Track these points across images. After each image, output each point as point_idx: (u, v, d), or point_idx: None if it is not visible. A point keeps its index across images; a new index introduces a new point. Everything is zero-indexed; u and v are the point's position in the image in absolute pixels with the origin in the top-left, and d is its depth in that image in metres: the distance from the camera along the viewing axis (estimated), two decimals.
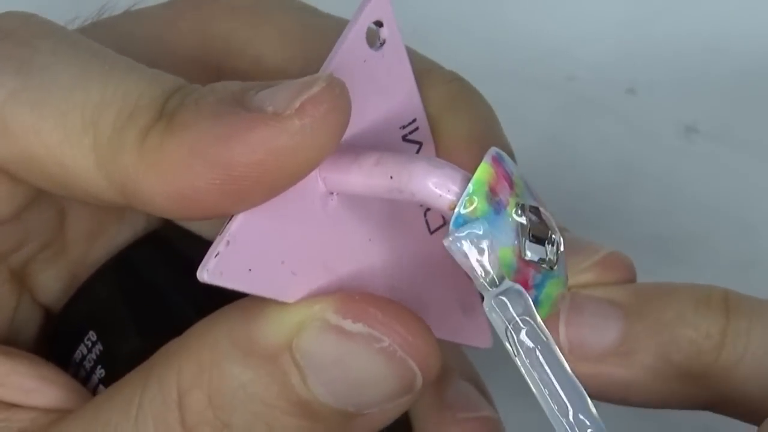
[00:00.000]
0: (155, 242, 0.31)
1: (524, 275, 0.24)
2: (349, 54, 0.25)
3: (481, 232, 0.23)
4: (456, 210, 0.23)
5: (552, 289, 0.24)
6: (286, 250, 0.24)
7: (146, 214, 0.31)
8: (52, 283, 0.31)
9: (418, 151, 0.27)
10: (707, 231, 0.46)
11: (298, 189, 0.24)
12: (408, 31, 0.27)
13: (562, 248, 0.24)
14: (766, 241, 0.46)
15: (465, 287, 0.28)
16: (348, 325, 0.24)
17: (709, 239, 0.46)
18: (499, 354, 0.34)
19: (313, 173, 0.24)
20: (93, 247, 0.31)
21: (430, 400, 0.31)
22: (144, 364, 0.25)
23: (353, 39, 0.25)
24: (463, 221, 0.23)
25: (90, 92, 0.24)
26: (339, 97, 0.23)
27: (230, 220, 0.24)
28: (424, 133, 0.27)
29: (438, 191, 0.23)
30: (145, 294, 0.31)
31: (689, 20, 0.48)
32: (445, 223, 0.27)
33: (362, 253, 0.26)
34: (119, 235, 0.31)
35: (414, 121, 0.27)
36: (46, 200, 0.29)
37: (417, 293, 0.26)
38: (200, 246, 0.27)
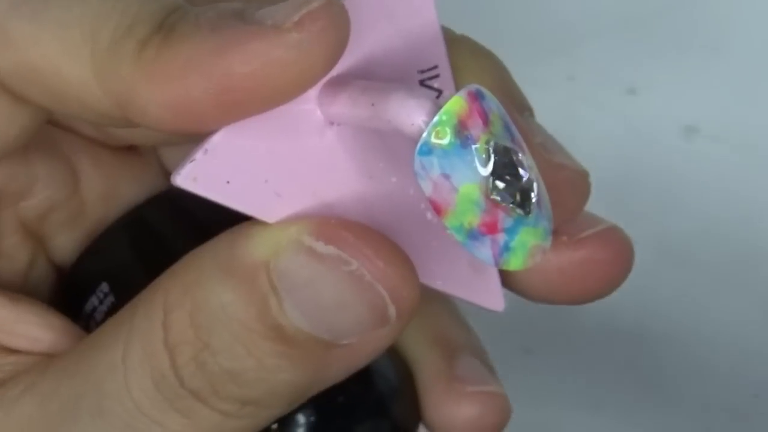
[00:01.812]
0: (167, 200, 0.32)
1: (493, 216, 0.23)
2: None
3: (445, 163, 0.23)
4: (422, 137, 0.23)
5: (527, 237, 0.24)
6: (272, 170, 0.24)
7: (161, 175, 0.32)
8: (69, 245, 0.31)
9: (437, 96, 0.27)
10: (707, 231, 0.46)
11: (295, 114, 0.24)
12: None
13: (535, 193, 0.24)
14: (766, 240, 0.47)
15: None
16: (320, 246, 0.24)
17: (709, 239, 0.46)
18: (498, 353, 0.34)
19: (312, 101, 0.25)
20: (109, 209, 0.31)
21: (439, 373, 0.31)
22: (142, 292, 0.26)
23: None
24: (429, 150, 0.23)
25: (89, 5, 0.25)
26: (337, 14, 0.23)
27: (212, 132, 0.24)
28: (445, 82, 0.27)
29: (410, 119, 0.23)
30: (156, 250, 0.31)
31: (689, 20, 0.48)
32: None
33: (359, 188, 0.26)
34: (135, 198, 0.31)
35: (435, 67, 0.27)
36: (56, 153, 0.30)
37: (419, 240, 0.26)
38: (210, 204, 0.28)
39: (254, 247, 0.24)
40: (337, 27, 0.23)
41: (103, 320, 0.30)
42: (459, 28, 0.29)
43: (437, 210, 0.23)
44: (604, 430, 0.47)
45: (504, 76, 0.28)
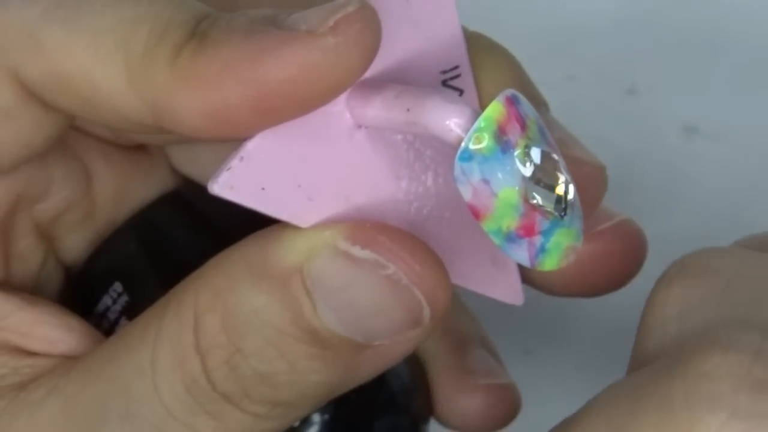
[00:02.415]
0: (178, 199, 0.32)
1: (531, 219, 0.24)
2: None
3: (485, 168, 0.23)
4: (463, 144, 0.23)
5: (562, 238, 0.24)
6: (304, 175, 0.25)
7: (170, 173, 0.32)
8: (79, 245, 0.31)
9: (460, 96, 0.27)
10: (707, 231, 0.46)
11: (325, 117, 0.25)
12: None
13: (572, 196, 0.24)
14: None
15: None
16: (356, 251, 0.24)
17: (709, 239, 0.46)
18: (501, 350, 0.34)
19: (341, 104, 0.25)
20: (120, 210, 0.31)
21: (451, 366, 0.32)
22: (167, 294, 0.26)
23: None
24: (469, 156, 0.23)
25: (122, 12, 0.25)
26: (371, 18, 0.23)
27: (246, 139, 0.24)
28: (466, 82, 0.27)
29: (448, 126, 0.23)
30: (169, 249, 0.31)
31: (689, 20, 0.47)
32: None
33: (387, 189, 0.26)
34: (145, 197, 0.31)
35: (456, 68, 0.27)
36: (70, 155, 0.30)
37: (445, 239, 0.26)
38: (220, 203, 0.28)
39: (287, 252, 0.24)
40: (372, 30, 0.23)
41: (117, 319, 0.30)
42: None
43: (476, 214, 0.24)
44: None
45: (519, 72, 0.29)
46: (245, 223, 0.30)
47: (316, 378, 0.25)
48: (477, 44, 0.28)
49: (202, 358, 0.25)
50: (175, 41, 0.24)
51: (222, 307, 0.25)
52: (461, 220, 0.27)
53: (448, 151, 0.27)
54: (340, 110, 0.25)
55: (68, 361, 0.27)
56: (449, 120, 0.23)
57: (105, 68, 0.25)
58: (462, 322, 0.33)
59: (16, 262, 0.30)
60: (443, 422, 0.32)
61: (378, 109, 0.25)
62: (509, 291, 0.29)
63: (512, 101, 0.24)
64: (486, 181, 0.23)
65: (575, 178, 0.26)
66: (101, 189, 0.31)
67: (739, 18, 0.47)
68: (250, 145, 0.24)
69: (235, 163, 0.24)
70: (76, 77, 0.25)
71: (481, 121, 0.23)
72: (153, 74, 0.24)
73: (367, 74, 0.25)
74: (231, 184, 0.24)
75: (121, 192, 0.31)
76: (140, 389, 0.25)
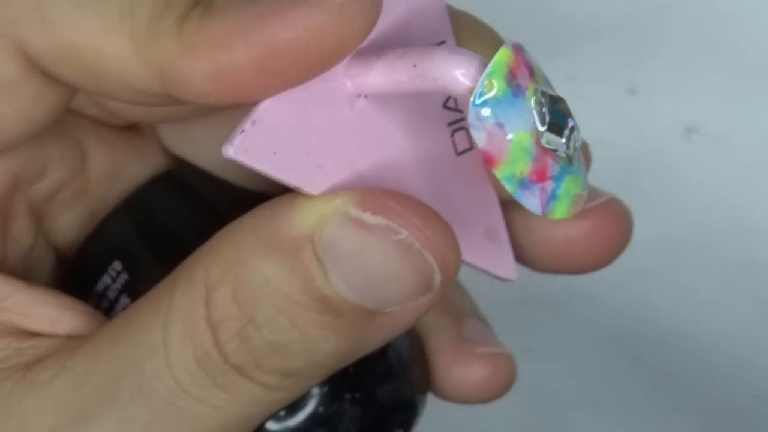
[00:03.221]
0: (172, 177, 0.32)
1: (542, 163, 0.24)
2: None
3: (499, 112, 0.24)
4: (476, 89, 0.23)
5: (571, 185, 0.24)
6: (312, 142, 0.25)
7: (163, 155, 0.32)
8: (71, 225, 0.31)
9: None
10: (707, 231, 0.46)
11: (327, 86, 0.25)
12: None
13: (579, 141, 0.24)
14: (766, 241, 0.46)
15: (491, 213, 0.29)
16: (367, 217, 0.24)
17: (709, 239, 0.46)
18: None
19: (340, 73, 0.25)
20: (112, 189, 0.31)
21: (449, 337, 0.32)
22: (174, 270, 0.26)
23: None
24: (484, 101, 0.23)
25: None
26: None
27: (256, 104, 0.24)
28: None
29: (458, 75, 0.24)
30: (166, 227, 0.32)
31: (689, 20, 0.48)
32: (471, 147, 0.28)
33: (388, 157, 0.26)
34: (138, 176, 0.32)
35: (443, 43, 0.27)
36: (66, 135, 0.30)
37: (442, 211, 0.26)
38: (212, 180, 0.28)
39: (297, 221, 0.25)
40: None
41: (117, 297, 0.30)
42: None
43: (489, 161, 0.24)
44: (604, 430, 0.47)
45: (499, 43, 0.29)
46: (238, 200, 0.30)
47: (326, 346, 0.25)
48: (464, 22, 0.28)
49: (213, 331, 0.25)
50: (180, 9, 0.24)
51: (233, 279, 0.25)
52: (456, 192, 0.28)
53: (446, 118, 0.27)
54: (341, 79, 0.25)
55: (73, 341, 0.27)
56: (459, 69, 0.24)
57: (111, 38, 0.25)
58: (456, 294, 0.33)
59: (12, 245, 0.30)
60: (442, 394, 0.32)
61: (382, 72, 0.25)
62: (503, 265, 0.29)
63: (519, 49, 0.24)
64: (500, 125, 0.24)
65: None
66: (94, 168, 0.31)
67: (739, 18, 0.47)
68: (261, 108, 0.24)
69: (248, 126, 0.24)
70: (82, 48, 0.25)
71: (492, 66, 0.23)
72: (160, 42, 0.24)
73: (364, 44, 0.25)
74: (245, 147, 0.24)
75: (113, 171, 0.31)
76: (152, 365, 0.25)
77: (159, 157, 0.32)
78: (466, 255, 0.27)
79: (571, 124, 0.24)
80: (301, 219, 0.25)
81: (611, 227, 0.30)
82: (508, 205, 0.29)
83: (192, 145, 0.32)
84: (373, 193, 0.25)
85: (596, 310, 0.44)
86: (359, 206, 0.24)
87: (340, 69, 0.25)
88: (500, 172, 0.24)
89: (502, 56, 0.24)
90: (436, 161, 0.27)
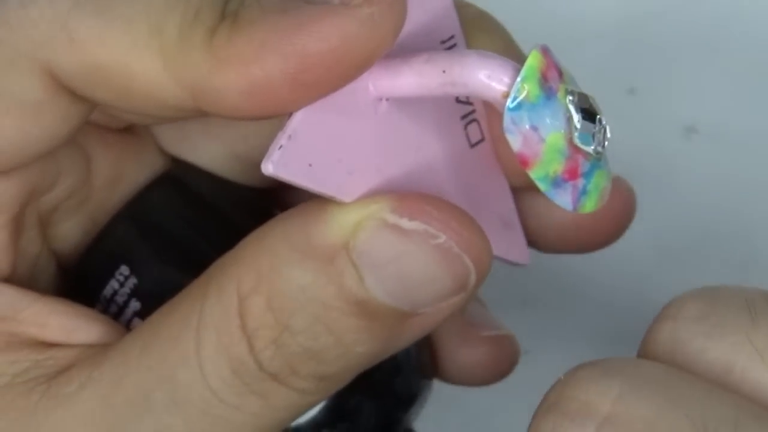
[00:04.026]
0: (172, 180, 0.32)
1: (575, 162, 0.24)
2: None
3: (534, 115, 0.24)
4: (511, 95, 0.24)
5: (599, 179, 0.25)
6: (342, 150, 0.25)
7: (161, 157, 0.32)
8: (73, 231, 0.31)
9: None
10: (707, 231, 0.46)
11: (351, 92, 0.25)
12: None
13: (608, 136, 0.25)
14: (766, 241, 0.46)
15: (504, 201, 0.29)
16: (405, 223, 0.24)
17: (709, 239, 0.46)
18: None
19: (363, 78, 0.25)
20: (114, 194, 0.31)
21: (454, 321, 0.32)
22: (200, 278, 0.26)
23: None
24: (518, 106, 0.24)
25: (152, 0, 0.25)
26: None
27: (290, 117, 0.24)
28: (461, 49, 0.28)
29: (490, 80, 0.24)
30: (170, 229, 0.32)
31: (689, 20, 0.47)
32: (483, 138, 0.28)
33: (412, 159, 0.26)
34: (138, 179, 0.32)
35: (452, 37, 0.28)
36: (74, 143, 0.30)
37: (463, 204, 0.26)
38: (211, 181, 0.28)
39: (331, 228, 0.25)
40: (403, 4, 0.24)
41: (126, 302, 0.30)
42: None
43: (525, 163, 0.24)
44: None
45: (509, 38, 0.30)
46: (238, 198, 0.30)
47: (361, 349, 0.25)
48: (467, 13, 0.29)
49: (249, 340, 0.25)
50: (209, 23, 0.24)
51: (267, 288, 0.25)
52: (474, 184, 0.28)
53: (458, 112, 0.28)
54: (363, 84, 0.25)
55: (93, 350, 0.27)
56: (491, 74, 0.24)
57: (140, 55, 0.25)
58: None
59: (21, 257, 0.30)
60: (448, 378, 0.33)
61: (409, 77, 0.25)
62: (517, 251, 0.30)
63: (546, 51, 0.24)
64: (535, 128, 0.24)
65: None
66: (98, 174, 0.31)
67: (738, 18, 0.47)
68: (295, 122, 0.24)
69: (284, 141, 0.24)
70: (111, 67, 0.25)
71: (526, 71, 0.24)
72: (190, 57, 0.24)
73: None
74: (284, 162, 0.24)
75: (116, 176, 0.31)
76: (186, 376, 0.25)
77: (157, 159, 0.32)
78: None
79: (600, 120, 0.25)
80: (335, 227, 0.25)
81: (618, 206, 0.30)
82: (516, 191, 0.30)
83: (189, 144, 0.32)
84: (409, 198, 0.25)
85: (596, 311, 0.44)
86: (396, 212, 0.25)
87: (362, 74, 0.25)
88: (535, 173, 0.24)
89: (534, 60, 0.24)
90: (454, 157, 0.27)
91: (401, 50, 0.26)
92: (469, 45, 0.28)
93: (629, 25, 0.48)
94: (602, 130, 0.25)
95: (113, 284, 0.31)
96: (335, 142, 0.25)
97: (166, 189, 0.32)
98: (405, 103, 0.26)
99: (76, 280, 0.31)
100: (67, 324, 0.28)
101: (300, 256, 0.25)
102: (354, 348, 0.25)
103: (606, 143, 0.25)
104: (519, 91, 0.24)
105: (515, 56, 0.28)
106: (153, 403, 0.25)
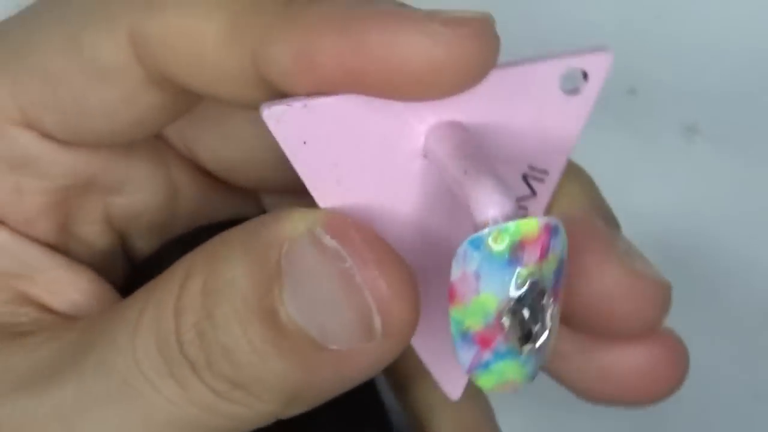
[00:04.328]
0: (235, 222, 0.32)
1: (493, 334, 0.23)
2: (535, 72, 0.25)
3: (485, 265, 0.23)
4: (479, 234, 0.23)
5: (509, 370, 0.24)
6: (347, 158, 0.24)
7: (247, 207, 0.32)
8: (152, 250, 0.32)
9: (529, 196, 0.27)
10: (707, 231, 0.46)
11: (404, 126, 0.24)
12: None
13: (540, 344, 0.24)
14: (766, 241, 0.47)
15: None
16: (326, 240, 0.24)
17: (709, 239, 0.46)
18: None
19: (424, 127, 0.24)
20: (196, 223, 0.32)
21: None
22: None
23: (550, 65, 0.25)
24: (478, 245, 0.23)
25: None
26: (489, 35, 0.23)
27: (326, 94, 0.24)
28: (545, 191, 0.27)
29: (483, 208, 0.23)
30: None
31: (689, 20, 0.48)
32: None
33: (412, 220, 0.26)
34: (222, 215, 0.32)
35: (545, 172, 0.27)
36: (158, 163, 0.30)
37: (427, 296, 0.25)
38: None
39: (277, 229, 0.24)
40: (483, 46, 0.23)
41: None
42: None
43: (451, 297, 0.23)
44: (604, 430, 0.47)
45: (595, 191, 0.29)
46: None
47: (273, 366, 0.24)
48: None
49: (176, 318, 0.25)
50: None
51: (207, 270, 0.25)
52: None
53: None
54: (420, 132, 0.25)
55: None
56: (487, 206, 0.23)
57: (213, 17, 0.25)
58: (482, 428, 0.33)
59: (77, 242, 0.30)
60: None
61: (444, 154, 0.24)
62: (452, 381, 0.28)
63: (550, 230, 0.23)
64: (477, 276, 0.23)
65: (635, 291, 0.26)
66: (184, 205, 0.31)
67: (739, 18, 0.47)
68: (321, 100, 0.24)
69: (295, 103, 0.24)
70: (186, 29, 0.25)
71: (510, 226, 0.23)
72: (259, 18, 0.24)
73: (467, 119, 0.25)
74: (279, 118, 0.23)
75: (200, 212, 0.31)
76: (121, 341, 0.25)
77: (241, 209, 0.32)
78: (425, 351, 0.27)
79: (540, 325, 0.23)
80: (280, 228, 0.24)
81: (666, 364, 0.29)
82: (584, 338, 0.28)
83: (202, 143, 0.32)
84: (341, 218, 0.24)
85: None
86: (324, 226, 0.24)
87: (428, 122, 0.25)
88: (454, 312, 0.23)
89: (526, 226, 0.23)
90: (450, 241, 0.26)
91: (485, 135, 0.25)
92: (557, 188, 0.27)
93: (629, 25, 0.48)
94: (538, 336, 0.23)
95: None
96: (347, 146, 0.24)
97: (225, 227, 0.32)
98: (435, 171, 0.25)
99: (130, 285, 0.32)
100: (79, 300, 0.28)
101: (242, 247, 0.24)
102: (265, 361, 0.24)
103: (539, 348, 0.24)
104: (491, 236, 0.23)
105: (599, 211, 0.27)
106: (87, 360, 0.25)
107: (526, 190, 0.27)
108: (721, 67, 0.47)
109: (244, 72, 0.25)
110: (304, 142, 0.24)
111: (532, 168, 0.27)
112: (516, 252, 0.23)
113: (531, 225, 0.23)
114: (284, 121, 0.24)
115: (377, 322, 0.24)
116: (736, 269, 0.46)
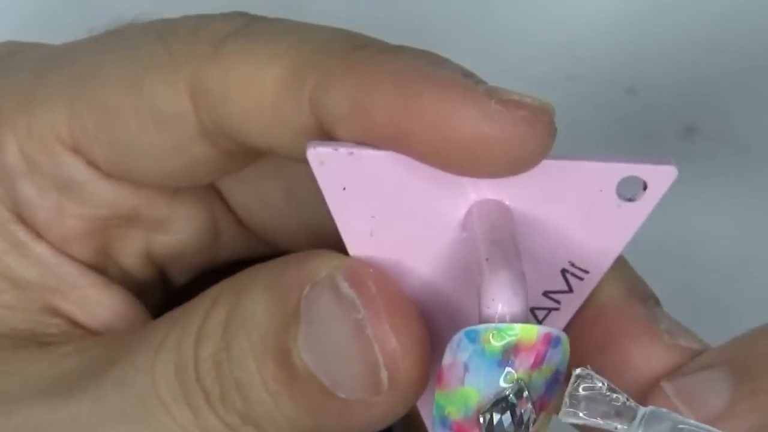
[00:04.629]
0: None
1: (469, 427, 0.23)
2: (592, 171, 0.25)
3: (475, 359, 0.23)
4: (476, 327, 0.23)
5: None
6: (384, 213, 0.24)
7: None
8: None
9: (566, 291, 0.27)
10: (707, 231, 0.46)
11: (451, 197, 0.24)
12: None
13: None
14: (766, 241, 0.47)
15: None
16: (344, 287, 0.24)
17: (709, 239, 0.46)
18: None
19: (466, 202, 0.24)
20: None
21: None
22: None
23: (610, 168, 0.25)
24: (473, 339, 0.23)
25: (291, 37, 0.25)
26: (546, 124, 0.23)
27: (376, 147, 0.24)
28: (582, 288, 0.26)
29: (490, 301, 0.23)
30: None
31: (689, 20, 0.48)
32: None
33: (439, 285, 0.26)
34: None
35: (586, 272, 0.26)
36: (202, 207, 0.30)
37: (435, 361, 0.25)
38: None
39: (301, 270, 0.24)
40: (537, 132, 0.23)
41: None
42: (460, 29, 0.29)
43: (438, 380, 0.23)
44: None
45: (629, 271, 0.28)
46: None
47: (284, 407, 0.24)
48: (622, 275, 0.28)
49: (196, 344, 0.25)
50: (357, 42, 0.24)
51: (231, 301, 0.25)
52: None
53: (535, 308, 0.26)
54: (462, 206, 0.24)
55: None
56: (497, 300, 0.23)
57: (274, 65, 0.25)
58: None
59: (116, 267, 0.30)
60: None
61: (475, 235, 0.24)
62: None
63: (550, 341, 0.23)
64: (466, 368, 0.23)
65: (681, 366, 0.25)
66: (225, 247, 0.31)
67: (739, 18, 0.47)
68: (369, 151, 0.24)
69: (342, 149, 0.23)
70: (247, 77, 0.25)
71: (508, 328, 0.23)
72: (324, 60, 0.24)
73: (514, 204, 0.24)
74: (324, 160, 0.23)
75: (240, 254, 0.32)
76: (142, 361, 0.25)
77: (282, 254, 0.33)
78: (421, 406, 0.26)
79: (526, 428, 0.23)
80: (306, 268, 0.24)
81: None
82: None
83: (247, 190, 0.32)
84: (364, 268, 0.24)
85: None
86: (343, 274, 0.24)
87: (471, 199, 0.24)
88: (438, 396, 0.23)
89: (524, 332, 0.23)
90: (463, 314, 0.26)
91: (525, 225, 0.25)
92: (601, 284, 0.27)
93: (629, 24, 0.48)
94: None
95: None
96: (387, 201, 0.24)
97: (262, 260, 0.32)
98: (470, 246, 0.25)
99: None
100: (109, 320, 0.28)
101: (267, 283, 0.25)
102: (276, 401, 0.24)
103: None
104: (488, 332, 0.23)
105: (634, 291, 0.27)
106: (107, 375, 0.26)
107: (563, 285, 0.26)
108: (721, 67, 0.47)
109: (301, 118, 0.25)
110: (344, 188, 0.24)
111: (572, 264, 0.26)
112: (508, 354, 0.23)
113: (530, 331, 0.23)
114: (328, 164, 0.23)
115: (384, 376, 0.24)
116: (736, 269, 0.46)
